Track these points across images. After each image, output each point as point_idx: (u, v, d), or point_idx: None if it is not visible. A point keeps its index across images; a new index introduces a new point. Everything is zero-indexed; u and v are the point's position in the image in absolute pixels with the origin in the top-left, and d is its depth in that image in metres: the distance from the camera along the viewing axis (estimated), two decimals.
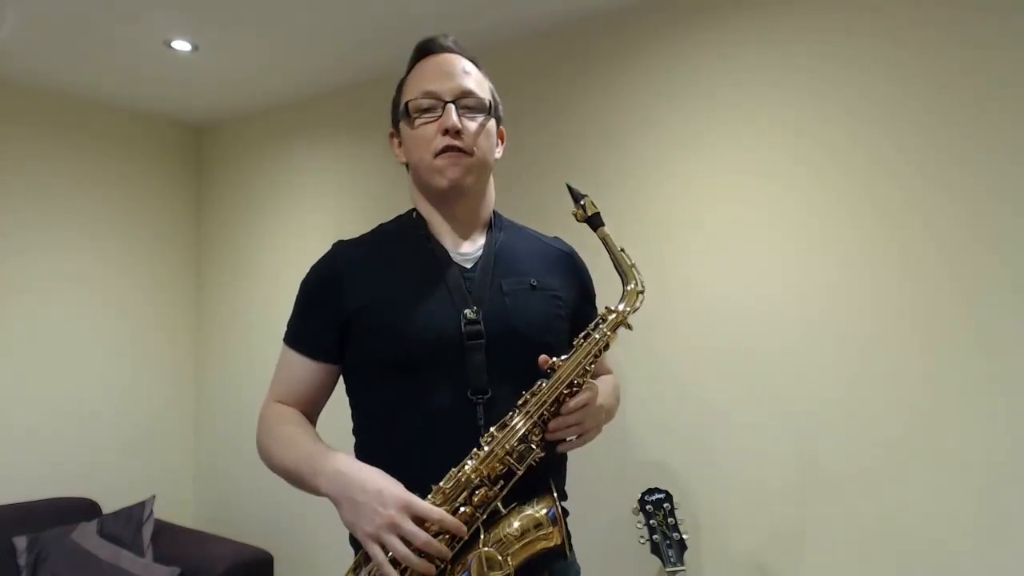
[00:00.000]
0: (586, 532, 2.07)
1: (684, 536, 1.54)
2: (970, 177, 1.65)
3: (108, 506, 2.79)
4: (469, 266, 1.16)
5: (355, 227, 1.36)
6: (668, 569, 1.50)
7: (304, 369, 1.19)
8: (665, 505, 1.58)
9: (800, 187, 1.87)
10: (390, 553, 0.96)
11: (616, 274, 1.15)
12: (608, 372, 1.37)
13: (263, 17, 2.26)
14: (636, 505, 1.60)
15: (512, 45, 2.41)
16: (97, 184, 3.03)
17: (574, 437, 1.09)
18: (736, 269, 1.95)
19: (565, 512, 1.20)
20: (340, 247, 1.22)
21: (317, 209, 2.95)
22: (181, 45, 2.46)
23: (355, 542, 1.08)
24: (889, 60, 1.76)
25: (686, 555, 1.53)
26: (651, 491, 1.61)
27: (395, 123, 1.23)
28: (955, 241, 1.66)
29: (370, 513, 0.97)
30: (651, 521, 1.56)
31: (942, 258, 1.67)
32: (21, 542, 2.45)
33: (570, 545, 1.17)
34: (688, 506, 1.92)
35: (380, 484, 0.99)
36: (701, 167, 2.02)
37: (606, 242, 1.13)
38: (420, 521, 0.97)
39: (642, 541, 1.56)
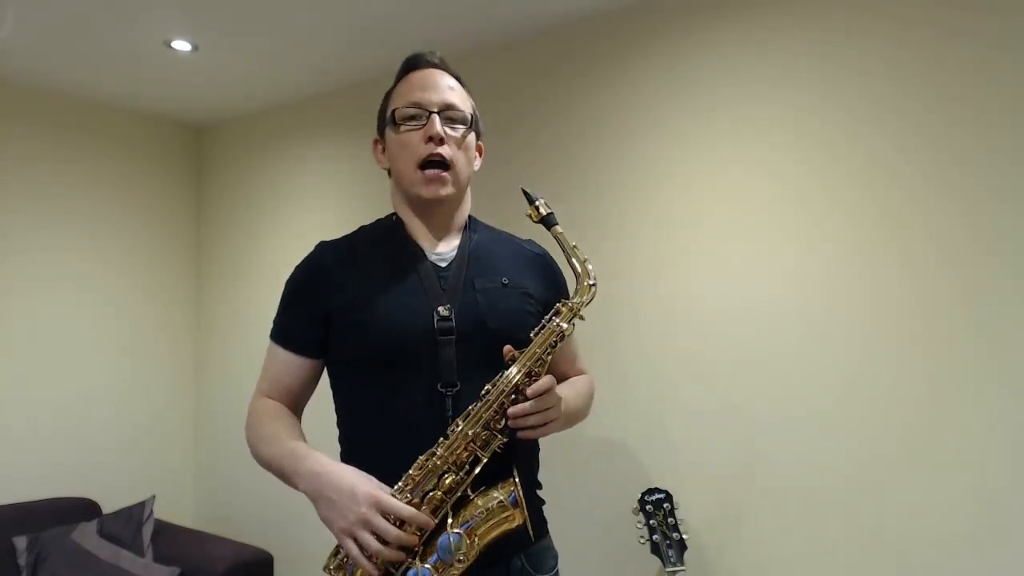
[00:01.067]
0: (586, 532, 2.07)
1: (684, 536, 1.54)
2: (970, 177, 1.65)
3: (108, 506, 2.79)
4: (444, 265, 1.23)
5: (354, 227, 1.37)
6: (668, 569, 1.50)
7: (289, 364, 1.25)
8: (665, 505, 1.58)
9: (800, 187, 1.86)
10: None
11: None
12: (581, 373, 1.42)
13: (263, 17, 2.26)
14: (636, 505, 1.60)
15: (512, 45, 2.41)
16: (97, 184, 3.03)
17: (535, 424, 1.11)
18: (736, 269, 1.95)
19: (540, 500, 1.27)
20: (323, 246, 1.30)
21: (317, 209, 2.95)
22: (181, 45, 2.46)
23: None
24: (889, 60, 1.76)
25: (686, 555, 1.53)
26: (651, 491, 1.61)
27: (380, 131, 1.30)
28: (955, 241, 1.66)
29: (343, 510, 1.04)
30: (651, 521, 1.56)
31: (942, 258, 1.67)
32: (21, 542, 2.45)
33: (543, 528, 1.26)
34: (688, 507, 1.92)
35: (352, 482, 1.06)
36: (701, 167, 2.02)
37: (560, 239, 1.18)
38: (389, 515, 1.03)
39: (642, 541, 1.56)
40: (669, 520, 1.56)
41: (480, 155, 1.32)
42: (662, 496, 1.60)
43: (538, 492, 1.28)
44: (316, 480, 1.08)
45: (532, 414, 1.09)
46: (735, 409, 1.93)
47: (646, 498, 1.60)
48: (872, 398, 1.74)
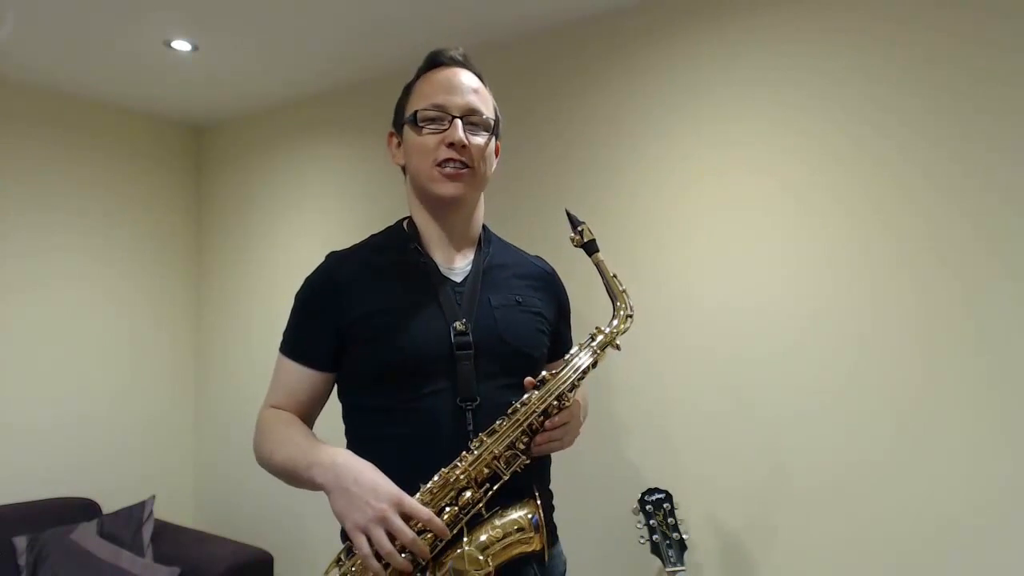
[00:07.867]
0: (586, 532, 2.07)
1: (684, 536, 1.54)
2: (970, 177, 1.65)
3: (108, 506, 2.79)
4: (459, 280, 1.22)
5: (355, 227, 1.38)
6: (668, 569, 1.50)
7: (299, 377, 1.23)
8: (665, 505, 1.58)
9: (800, 187, 1.86)
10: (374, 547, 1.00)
11: (606, 296, 1.21)
12: None
13: (263, 17, 2.26)
14: (636, 505, 1.60)
15: (511, 45, 2.41)
16: (97, 184, 3.03)
17: (557, 442, 1.15)
18: (735, 269, 1.95)
19: (552, 508, 1.25)
20: (333, 258, 1.26)
21: (317, 209, 2.94)
22: (181, 45, 2.46)
23: (346, 537, 1.10)
24: (889, 60, 1.76)
25: (686, 555, 1.53)
26: (651, 491, 1.61)
27: (396, 125, 1.27)
28: (955, 241, 1.66)
29: (362, 504, 1.00)
30: (651, 521, 1.56)
31: (942, 257, 1.67)
32: (21, 542, 2.45)
33: (554, 539, 1.24)
34: (688, 507, 1.92)
35: (374, 478, 1.03)
36: (701, 167, 2.02)
37: (600, 268, 1.18)
38: (407, 518, 1.00)
39: (642, 541, 1.56)
40: (669, 520, 1.56)
41: (497, 155, 1.29)
42: (662, 496, 1.60)
43: (550, 501, 1.26)
44: (335, 470, 1.05)
45: (554, 440, 1.13)
46: (735, 408, 1.93)
47: (646, 498, 1.60)
48: (872, 398, 1.74)
